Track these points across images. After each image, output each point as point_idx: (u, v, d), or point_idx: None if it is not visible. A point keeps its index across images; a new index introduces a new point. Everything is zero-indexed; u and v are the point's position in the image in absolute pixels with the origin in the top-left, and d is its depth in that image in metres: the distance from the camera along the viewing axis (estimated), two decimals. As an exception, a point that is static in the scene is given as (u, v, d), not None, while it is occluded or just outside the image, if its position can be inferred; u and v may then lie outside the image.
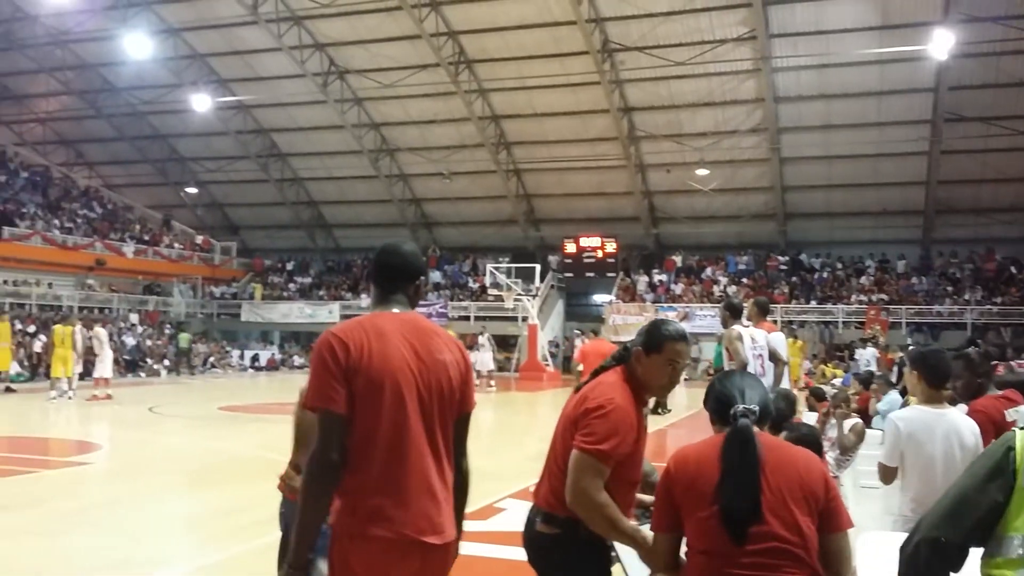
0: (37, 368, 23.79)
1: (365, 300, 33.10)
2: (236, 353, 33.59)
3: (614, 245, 32.17)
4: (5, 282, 28.64)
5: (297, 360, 33.01)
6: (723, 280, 32.51)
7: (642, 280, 33.29)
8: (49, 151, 38.06)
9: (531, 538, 2.92)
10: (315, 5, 27.02)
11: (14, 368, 22.15)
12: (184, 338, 29.94)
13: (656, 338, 2.90)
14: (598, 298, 33.81)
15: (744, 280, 32.18)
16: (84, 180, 38.54)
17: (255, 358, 33.41)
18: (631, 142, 30.53)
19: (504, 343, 31.85)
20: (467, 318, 31.59)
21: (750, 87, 28.02)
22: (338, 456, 2.41)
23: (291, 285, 37.58)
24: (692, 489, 2.44)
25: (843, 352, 26.27)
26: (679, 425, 14.31)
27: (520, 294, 28.76)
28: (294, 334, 35.60)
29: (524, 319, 29.49)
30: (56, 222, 32.13)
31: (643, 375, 2.89)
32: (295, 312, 34.73)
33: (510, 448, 10.00)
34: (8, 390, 20.02)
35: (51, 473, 9.95)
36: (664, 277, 33.38)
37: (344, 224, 38.21)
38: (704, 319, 28.25)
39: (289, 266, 39.04)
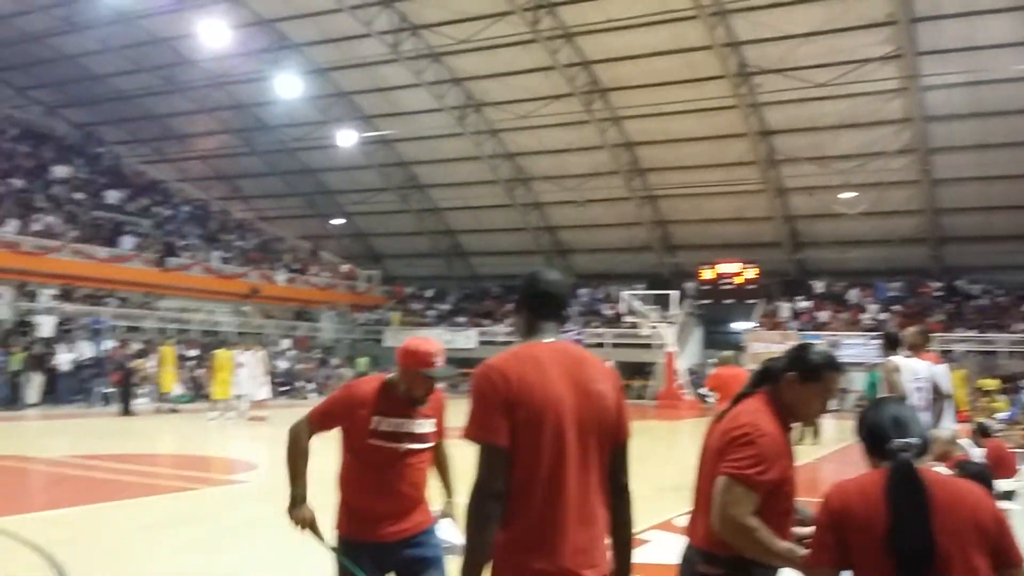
0: (199, 390, 25.17)
1: (502, 327, 33.56)
2: (379, 377, 34.62)
3: (755, 271, 31.33)
4: (169, 309, 30.65)
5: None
6: (872, 308, 31.10)
7: (785, 307, 32.27)
8: (208, 186, 40.69)
9: None
10: (452, 41, 27.84)
11: (177, 390, 23.67)
12: (362, 362, 31.30)
13: (816, 367, 2.79)
14: (737, 326, 33.00)
15: (895, 307, 30.68)
16: (240, 213, 40.94)
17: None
18: (770, 166, 29.80)
19: (640, 371, 31.53)
20: (601, 345, 31.45)
21: (897, 107, 26.86)
22: (502, 487, 2.40)
23: (430, 312, 38.51)
24: (863, 530, 2.35)
25: (1008, 384, 24.58)
26: (829, 459, 13.76)
27: (656, 321, 28.43)
28: (432, 359, 36.35)
29: (661, 346, 29.09)
30: (215, 253, 34.19)
31: (794, 402, 2.79)
32: (434, 338, 35.50)
33: (650, 478, 9.85)
34: (172, 411, 21.39)
35: (211, 490, 10.47)
36: (808, 304, 32.25)
37: (480, 252, 38.94)
38: (852, 348, 27.07)
39: (428, 293, 40.07)
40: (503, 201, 34.85)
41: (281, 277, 35.40)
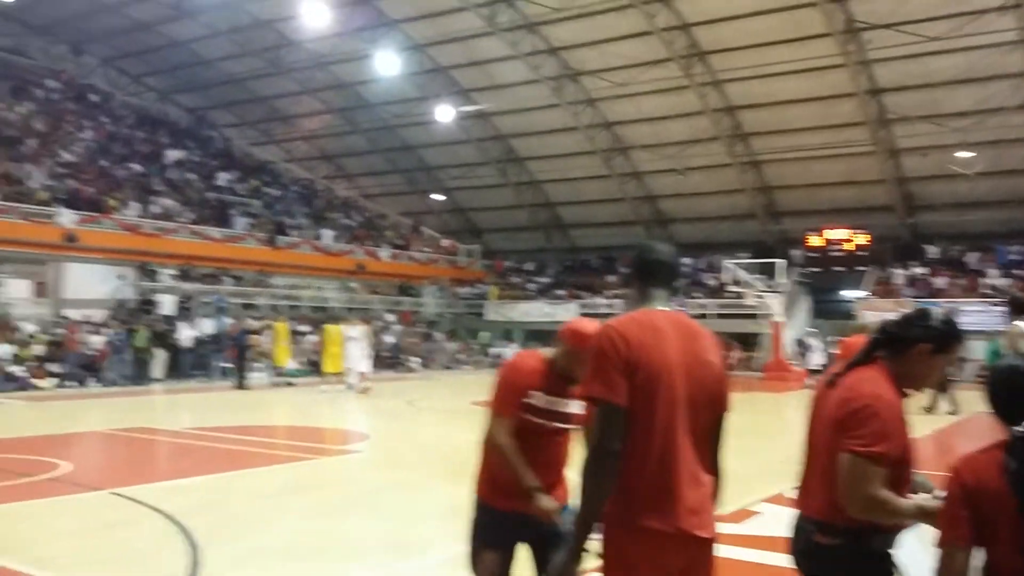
0: (312, 364, 25.93)
1: (602, 299, 33.46)
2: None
3: (865, 237, 30.21)
4: (281, 286, 31.75)
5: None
6: (992, 272, 29.62)
7: (899, 274, 31.06)
8: (313, 166, 41.81)
9: (806, 550, 2.71)
10: (548, 10, 27.64)
11: (291, 364, 24.56)
12: (485, 336, 31.87)
13: (949, 339, 2.70)
14: (848, 294, 31.96)
15: (1017, 272, 29.13)
16: (344, 191, 41.94)
17: (498, 355, 34.74)
18: (881, 126, 28.60)
19: (745, 342, 30.92)
20: (704, 316, 30.93)
21: (1017, 59, 25.29)
22: (619, 447, 2.45)
23: (530, 285, 38.67)
24: (999, 503, 2.27)
25: None
26: (947, 431, 13.25)
27: (762, 291, 27.80)
28: (534, 332, 36.55)
29: (767, 316, 28.47)
30: (323, 230, 35.10)
31: (919, 372, 2.69)
32: (535, 311, 35.69)
33: (759, 450, 9.73)
34: (288, 384, 22.22)
35: (328, 460, 10.86)
36: (924, 270, 30.93)
37: (579, 224, 38.81)
38: (971, 315, 25.89)
39: (528, 267, 40.23)
40: (601, 172, 34.59)
41: (385, 253, 36.16)
